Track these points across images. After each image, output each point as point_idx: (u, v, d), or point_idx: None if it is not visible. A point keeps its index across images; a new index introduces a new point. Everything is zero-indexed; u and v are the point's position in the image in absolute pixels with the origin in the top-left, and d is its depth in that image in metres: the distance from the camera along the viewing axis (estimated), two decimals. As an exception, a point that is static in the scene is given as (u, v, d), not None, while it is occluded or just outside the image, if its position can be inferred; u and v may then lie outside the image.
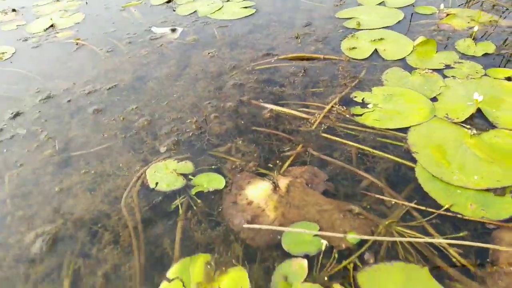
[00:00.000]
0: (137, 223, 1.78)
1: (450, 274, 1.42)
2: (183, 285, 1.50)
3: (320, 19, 3.30)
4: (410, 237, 1.54)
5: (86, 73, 2.94)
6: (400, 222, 1.62)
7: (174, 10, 3.81)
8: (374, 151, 1.97)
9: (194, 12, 3.60)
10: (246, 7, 3.48)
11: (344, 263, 1.50)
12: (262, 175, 1.94)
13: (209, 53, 2.95)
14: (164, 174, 1.99)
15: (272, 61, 2.75)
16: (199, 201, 1.84)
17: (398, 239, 1.54)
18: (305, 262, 1.50)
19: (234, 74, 2.68)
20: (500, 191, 1.67)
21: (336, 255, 1.52)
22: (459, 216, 1.61)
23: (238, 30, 3.25)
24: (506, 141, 1.90)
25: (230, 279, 1.50)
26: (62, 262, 1.68)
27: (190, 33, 3.29)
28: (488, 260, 1.45)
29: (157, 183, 1.95)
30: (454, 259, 1.46)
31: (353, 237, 1.57)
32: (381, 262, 1.47)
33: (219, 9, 3.50)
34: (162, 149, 2.16)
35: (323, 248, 1.54)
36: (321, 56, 2.72)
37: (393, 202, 1.71)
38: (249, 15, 3.39)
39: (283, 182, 1.85)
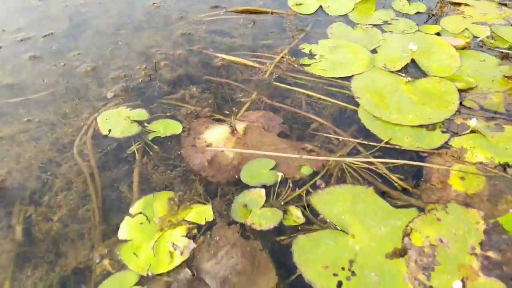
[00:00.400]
0: (92, 169, 1.74)
1: (392, 194, 1.63)
2: (147, 219, 1.54)
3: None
4: (358, 162, 1.72)
5: (16, 21, 2.69)
6: (348, 156, 1.79)
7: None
8: (322, 97, 2.12)
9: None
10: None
11: (299, 191, 1.63)
12: (220, 121, 1.99)
13: (154, 4, 2.86)
14: (117, 121, 1.95)
15: (221, 13, 2.75)
16: (155, 146, 1.85)
17: (346, 159, 1.71)
18: (262, 191, 1.61)
19: (182, 24, 2.64)
20: (431, 127, 1.92)
21: (291, 185, 1.66)
22: (397, 147, 1.82)
23: (182, -18, 3.17)
24: (435, 87, 2.16)
25: (195, 212, 1.56)
26: (11, 211, 1.60)
27: (132, -18, 3.14)
28: (422, 180, 1.68)
29: (110, 130, 1.91)
30: (395, 184, 1.67)
31: (307, 157, 1.71)
32: (331, 186, 1.63)
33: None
34: (110, 95, 2.10)
35: (279, 179, 1.66)
36: (269, 11, 2.78)
37: (340, 140, 1.87)
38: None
39: (240, 126, 1.93)
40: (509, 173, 1.68)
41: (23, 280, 1.38)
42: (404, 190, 1.64)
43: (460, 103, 2.06)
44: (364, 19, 2.71)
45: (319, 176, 1.69)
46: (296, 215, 1.53)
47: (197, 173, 1.72)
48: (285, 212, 1.55)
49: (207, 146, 1.84)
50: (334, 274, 1.34)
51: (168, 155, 1.82)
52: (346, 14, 2.78)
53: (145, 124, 1.95)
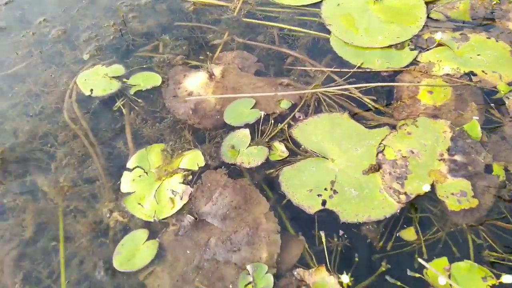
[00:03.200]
0: (86, 130, 1.80)
1: (366, 116, 1.73)
2: (144, 171, 1.65)
3: None
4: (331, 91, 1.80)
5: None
6: (323, 85, 1.86)
7: None
8: (294, 28, 2.12)
9: None
10: None
11: (281, 125, 1.73)
12: (196, 67, 2.01)
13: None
14: (96, 80, 1.97)
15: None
16: (139, 100, 1.90)
17: (315, 90, 1.79)
18: (247, 130, 1.71)
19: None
20: (400, 45, 1.96)
21: (273, 121, 1.74)
22: (368, 70, 1.88)
23: None
24: (403, 2, 2.15)
25: (187, 159, 1.67)
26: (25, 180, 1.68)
27: None
28: (394, 98, 1.77)
29: (92, 90, 1.94)
30: (369, 105, 1.76)
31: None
32: (309, 117, 1.73)
33: None
34: (86, 57, 2.09)
35: (261, 116, 1.74)
36: None
37: (313, 70, 1.92)
38: None
39: (217, 70, 1.96)
40: (474, 81, 1.77)
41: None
42: (377, 110, 1.75)
43: (428, 16, 2.08)
44: None
45: (297, 109, 1.77)
46: (281, 150, 1.64)
47: (184, 122, 1.80)
48: (270, 148, 1.65)
49: (189, 94, 1.90)
50: (319, 195, 1.49)
51: (154, 108, 1.87)
52: None
53: (124, 79, 1.97)
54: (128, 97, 1.91)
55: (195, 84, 1.93)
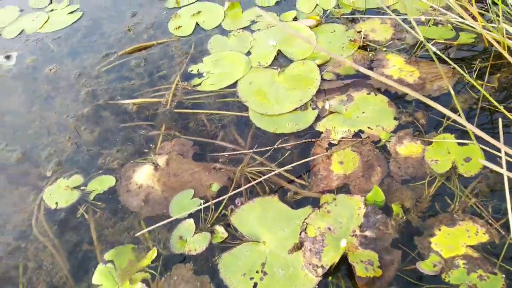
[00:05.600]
0: (53, 241, 1.81)
1: (292, 189, 1.80)
2: (114, 268, 1.66)
3: (144, 6, 3.15)
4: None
5: None
6: (249, 164, 1.93)
7: (-1, 34, 3.22)
8: (219, 112, 2.21)
9: (22, 32, 3.07)
10: (72, 12, 3.13)
11: (218, 211, 1.77)
12: (143, 161, 2.05)
13: (50, 70, 2.70)
14: (60, 193, 1.98)
15: (112, 59, 2.67)
16: (99, 203, 1.92)
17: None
18: (191, 220, 1.76)
19: (83, 82, 2.55)
20: (304, 107, 2.09)
21: (213, 206, 1.79)
22: (282, 147, 1.96)
23: (72, 37, 2.96)
24: (300, 69, 2.30)
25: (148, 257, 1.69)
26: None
27: (26, 54, 2.90)
28: (311, 172, 1.84)
29: (57, 203, 1.95)
30: (293, 178, 1.83)
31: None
32: (246, 203, 1.77)
33: (46, 21, 3.07)
34: (49, 174, 2.10)
35: (202, 206, 1.78)
36: (155, 42, 2.73)
37: (240, 152, 1.99)
38: (78, 19, 3.08)
39: (161, 160, 2.01)
40: (363, 137, 1.88)
41: None
42: (300, 184, 1.81)
43: (322, 78, 2.21)
44: (235, 24, 2.72)
45: (231, 191, 1.80)
46: (221, 232, 1.69)
47: (136, 214, 1.83)
48: (212, 232, 1.70)
49: (139, 187, 1.93)
50: (251, 278, 1.53)
51: (113, 207, 1.89)
52: (219, 24, 2.76)
53: (82, 187, 1.99)
54: (89, 202, 1.93)
55: (143, 176, 1.97)
